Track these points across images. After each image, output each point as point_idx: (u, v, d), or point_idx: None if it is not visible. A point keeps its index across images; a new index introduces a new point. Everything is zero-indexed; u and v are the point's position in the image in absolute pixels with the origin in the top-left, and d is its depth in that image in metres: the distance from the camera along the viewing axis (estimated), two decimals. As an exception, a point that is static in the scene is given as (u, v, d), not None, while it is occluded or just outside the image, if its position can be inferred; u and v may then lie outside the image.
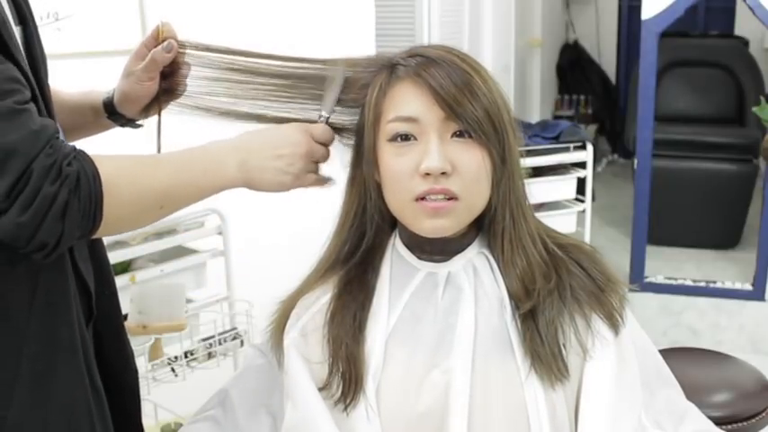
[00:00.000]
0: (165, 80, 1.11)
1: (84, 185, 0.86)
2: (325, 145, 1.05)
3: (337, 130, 1.07)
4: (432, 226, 0.97)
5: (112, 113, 1.16)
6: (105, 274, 1.10)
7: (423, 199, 0.96)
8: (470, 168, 0.96)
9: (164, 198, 0.96)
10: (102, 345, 1.07)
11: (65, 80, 1.19)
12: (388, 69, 1.01)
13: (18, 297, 0.92)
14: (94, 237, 0.94)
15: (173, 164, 0.97)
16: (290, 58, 1.09)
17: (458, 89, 0.95)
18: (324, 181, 1.07)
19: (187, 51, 1.09)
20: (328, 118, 1.06)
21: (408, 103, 0.97)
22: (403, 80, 0.98)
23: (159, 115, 1.14)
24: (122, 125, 1.19)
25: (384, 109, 0.99)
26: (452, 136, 0.96)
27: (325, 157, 1.05)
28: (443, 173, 0.94)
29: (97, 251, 1.08)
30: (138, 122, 1.20)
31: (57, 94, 1.15)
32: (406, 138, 0.97)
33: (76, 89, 1.20)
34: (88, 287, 1.03)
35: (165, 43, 1.07)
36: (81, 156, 0.88)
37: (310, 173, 1.04)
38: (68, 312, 0.96)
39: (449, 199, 0.96)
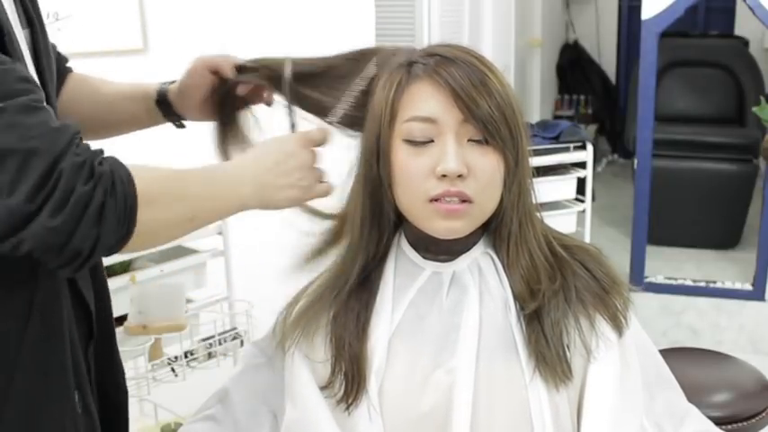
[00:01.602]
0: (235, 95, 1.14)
1: (119, 186, 0.79)
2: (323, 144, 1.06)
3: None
4: (445, 227, 0.97)
5: (162, 103, 1.15)
6: (104, 296, 1.06)
7: (437, 200, 0.95)
8: (485, 172, 0.96)
9: (193, 209, 0.90)
10: (97, 366, 1.03)
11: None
12: (405, 68, 0.99)
13: (11, 327, 0.87)
14: (125, 249, 0.85)
15: (198, 177, 0.93)
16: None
17: (476, 90, 0.94)
18: (332, 190, 1.06)
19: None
20: (336, 120, 1.06)
21: (426, 102, 0.96)
22: (421, 79, 0.97)
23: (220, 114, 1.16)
24: (170, 120, 1.19)
25: (401, 107, 0.98)
26: (468, 140, 0.96)
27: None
28: (459, 175, 0.94)
29: (97, 269, 1.04)
30: (183, 122, 1.19)
31: (103, 84, 1.14)
32: (422, 138, 0.96)
33: (125, 81, 1.20)
34: (88, 307, 0.99)
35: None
36: (111, 158, 0.82)
37: (319, 182, 1.04)
38: (62, 341, 0.91)
39: (463, 201, 0.95)
